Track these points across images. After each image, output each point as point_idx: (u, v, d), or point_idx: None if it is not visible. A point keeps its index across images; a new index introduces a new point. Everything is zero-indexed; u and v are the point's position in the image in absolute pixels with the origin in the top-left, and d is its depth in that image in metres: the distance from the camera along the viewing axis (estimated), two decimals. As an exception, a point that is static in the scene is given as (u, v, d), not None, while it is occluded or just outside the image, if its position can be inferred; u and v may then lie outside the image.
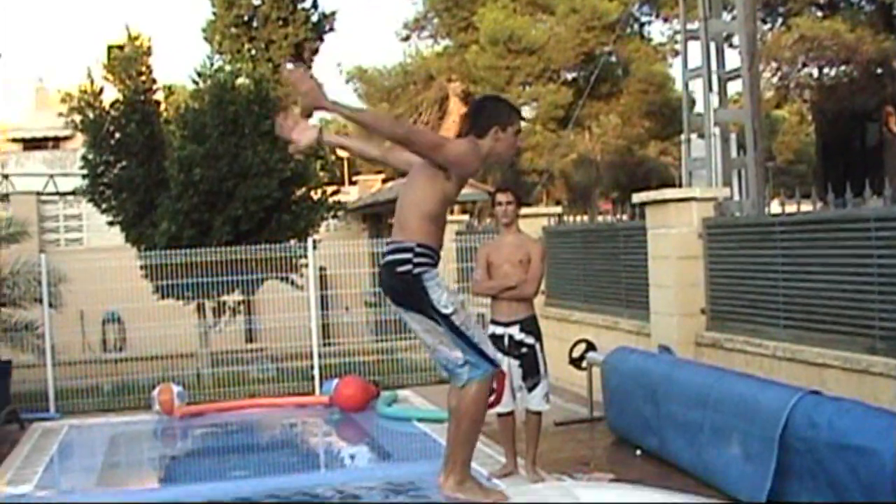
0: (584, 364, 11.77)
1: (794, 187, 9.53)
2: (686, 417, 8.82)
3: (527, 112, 37.58)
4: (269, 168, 15.44)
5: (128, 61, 16.61)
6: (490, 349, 6.01)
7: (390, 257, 6.14)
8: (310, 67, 32.66)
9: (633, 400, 9.96)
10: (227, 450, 12.74)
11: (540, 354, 8.87)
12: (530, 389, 8.86)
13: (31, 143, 31.58)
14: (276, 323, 15.70)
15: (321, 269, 16.00)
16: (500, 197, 9.12)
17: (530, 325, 8.87)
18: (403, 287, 6.16)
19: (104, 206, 16.49)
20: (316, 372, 14.88)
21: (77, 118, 16.46)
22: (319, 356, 15.05)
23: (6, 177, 24.25)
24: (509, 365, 8.84)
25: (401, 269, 6.16)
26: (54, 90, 28.26)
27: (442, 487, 6.40)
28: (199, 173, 14.99)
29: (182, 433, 13.31)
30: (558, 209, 16.52)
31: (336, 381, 13.71)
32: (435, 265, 6.28)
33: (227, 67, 16.59)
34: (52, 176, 24.77)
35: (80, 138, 21.74)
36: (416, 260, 6.08)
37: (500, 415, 9.04)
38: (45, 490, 9.90)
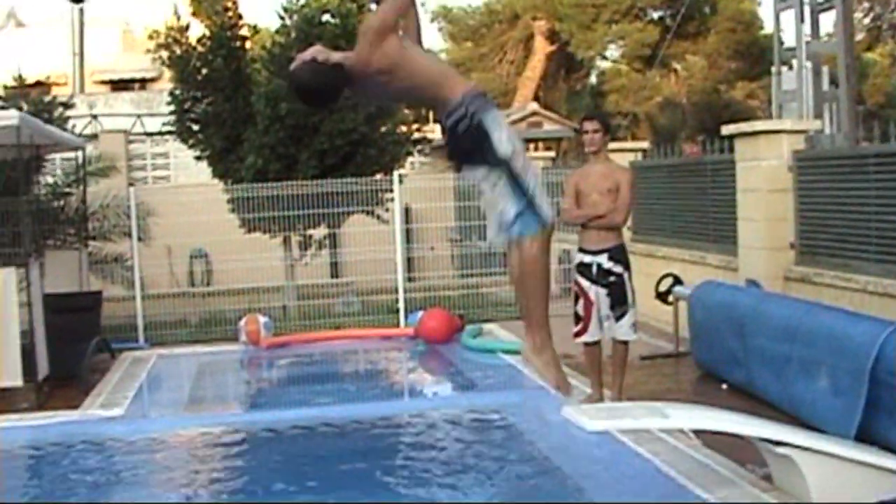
0: (670, 298, 11.72)
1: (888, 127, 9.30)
2: (774, 351, 8.73)
3: (613, 51, 37.25)
4: (355, 102, 15.43)
5: (214, -3, 16.70)
6: (545, 203, 5.43)
7: (449, 122, 5.53)
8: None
9: (719, 334, 9.90)
10: (312, 379, 12.87)
11: (628, 283, 8.84)
12: (618, 319, 8.84)
13: (119, 85, 31.83)
14: (361, 257, 15.76)
15: (405, 206, 15.99)
16: (587, 125, 9.07)
17: (618, 254, 8.83)
18: (469, 143, 5.52)
19: (191, 141, 16.60)
20: (401, 305, 14.96)
21: (164, 55, 16.53)
22: (404, 290, 15.12)
23: (95, 117, 24.44)
24: (597, 294, 8.83)
25: (461, 125, 5.53)
26: (140, 32, 28.48)
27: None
28: (286, 107, 15.01)
29: (268, 363, 13.48)
30: (645, 144, 16.38)
31: (421, 313, 13.78)
32: (487, 101, 5.67)
33: (314, 3, 16.56)
34: (139, 116, 24.95)
35: (166, 79, 21.90)
36: (470, 107, 5.50)
37: (586, 344, 9.04)
38: (135, 413, 10.11)
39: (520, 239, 5.45)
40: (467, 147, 5.37)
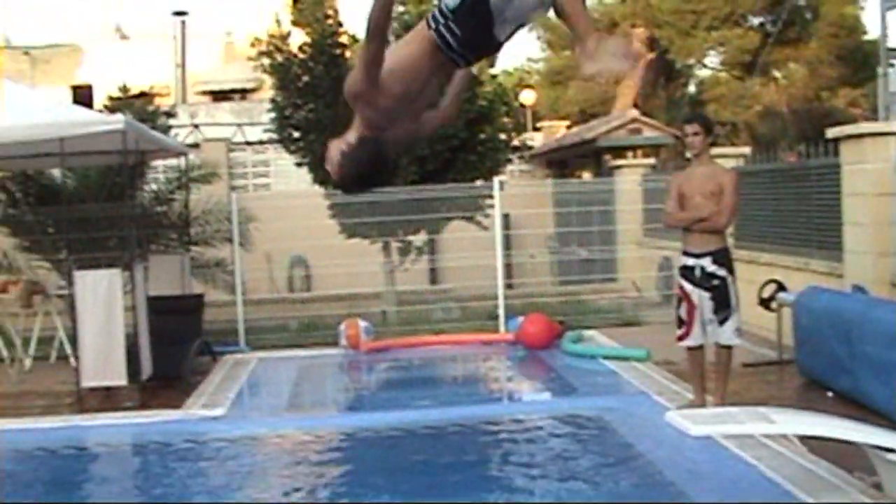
0: (773, 305, 11.56)
1: None
2: (882, 358, 8.56)
3: (712, 58, 36.86)
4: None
5: (314, 5, 16.77)
6: None
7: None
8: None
9: (825, 341, 9.73)
10: (412, 382, 12.89)
11: (732, 287, 8.74)
12: (721, 323, 8.74)
13: (220, 95, 32.27)
14: (460, 263, 15.77)
15: (504, 214, 15.95)
16: (687, 128, 9.00)
17: (722, 258, 8.73)
18: None
19: (292, 148, 16.73)
20: (500, 312, 14.93)
21: (265, 62, 16.69)
22: (503, 297, 15.10)
23: (196, 127, 24.79)
24: (700, 297, 8.74)
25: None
26: (241, 44, 28.82)
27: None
28: (385, 114, 15.06)
29: (368, 366, 13.54)
30: (746, 150, 16.21)
31: (521, 318, 13.76)
32: None
33: (412, 9, 16.61)
34: (239, 125, 25.26)
35: (266, 90, 22.10)
36: None
37: (689, 348, 8.96)
38: (236, 414, 10.21)
39: None
40: None
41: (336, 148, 4.59)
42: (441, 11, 4.33)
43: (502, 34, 4.38)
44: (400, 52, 4.55)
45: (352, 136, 4.57)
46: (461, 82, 5.12)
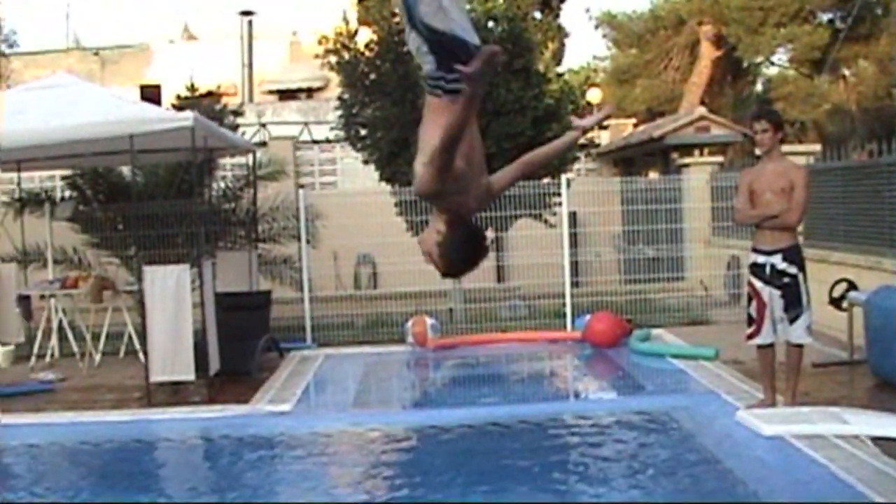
0: (844, 304, 11.40)
1: None
2: (958, 358, 8.44)
3: (781, 55, 36.47)
4: (522, 106, 15.40)
5: (381, 3, 16.80)
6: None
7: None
8: (558, 15, 32.32)
9: (898, 340, 9.59)
10: (480, 379, 12.89)
11: (803, 285, 8.63)
12: (792, 321, 8.64)
13: (286, 94, 32.37)
14: (527, 261, 15.71)
15: (571, 211, 15.87)
16: (756, 125, 8.89)
17: (793, 255, 8.62)
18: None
19: (359, 145, 16.76)
20: (567, 310, 14.89)
21: (332, 60, 16.73)
22: (570, 295, 15.05)
23: (263, 125, 24.89)
24: (770, 295, 8.64)
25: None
26: (308, 43, 28.93)
27: None
28: (453, 111, 15.06)
29: (435, 363, 13.54)
30: (816, 147, 16.04)
31: (588, 316, 13.71)
32: None
33: (479, 7, 16.59)
34: (306, 124, 25.33)
35: (332, 88, 22.16)
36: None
37: (759, 347, 8.86)
38: (302, 409, 10.24)
39: None
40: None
41: (430, 242, 4.67)
42: (433, 77, 4.53)
43: (474, 38, 4.59)
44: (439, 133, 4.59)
45: (439, 225, 4.64)
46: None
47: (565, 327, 14.69)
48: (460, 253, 4.66)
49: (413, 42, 4.63)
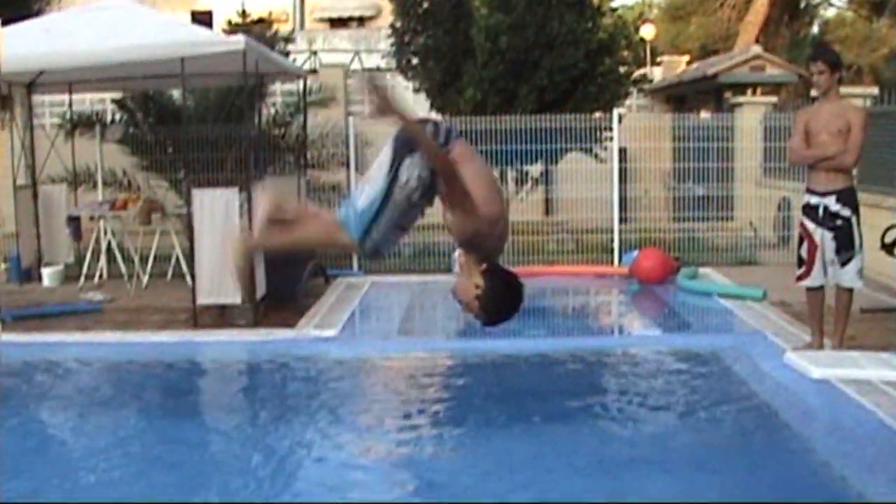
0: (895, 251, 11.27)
1: None
2: None
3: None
4: (576, 38, 15.27)
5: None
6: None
7: None
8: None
9: (950, 287, 9.49)
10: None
11: (856, 228, 8.52)
12: (843, 264, 8.54)
13: (338, 23, 32.24)
14: (576, 195, 15.63)
15: (621, 148, 15.74)
16: (813, 67, 8.73)
17: (847, 197, 8.50)
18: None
19: (410, 74, 16.69)
20: (615, 245, 14.84)
21: (385, -13, 16.66)
22: (619, 230, 14.99)
23: (314, 53, 24.84)
24: (822, 237, 8.54)
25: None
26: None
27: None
28: (506, 42, 14.97)
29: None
30: (874, 90, 15.80)
31: (636, 252, 13.65)
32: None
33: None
34: (357, 52, 25.26)
35: (384, 17, 22.04)
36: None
37: (808, 289, 8.77)
38: (348, 335, 10.28)
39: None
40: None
41: (469, 295, 4.87)
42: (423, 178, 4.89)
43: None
44: (473, 174, 4.80)
45: (476, 278, 4.84)
46: None
47: (613, 262, 14.64)
48: (503, 304, 4.92)
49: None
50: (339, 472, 6.33)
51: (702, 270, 13.76)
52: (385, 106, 4.57)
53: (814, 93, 8.97)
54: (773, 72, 21.34)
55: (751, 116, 17.30)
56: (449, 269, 13.84)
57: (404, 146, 4.96)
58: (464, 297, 4.94)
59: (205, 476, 6.31)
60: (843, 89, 13.73)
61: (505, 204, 5.16)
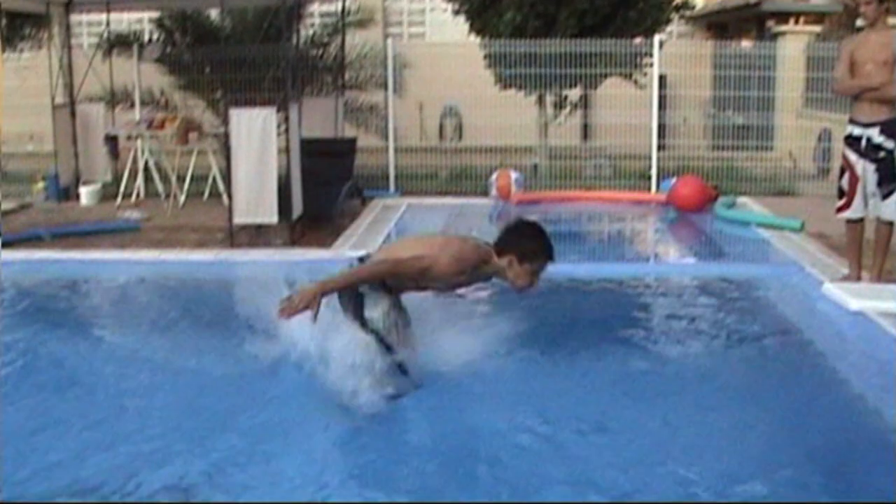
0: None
1: None
2: None
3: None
4: (617, -38, 15.12)
5: None
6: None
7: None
8: None
9: None
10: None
11: (899, 160, 8.42)
12: (884, 197, 8.44)
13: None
14: (614, 120, 15.53)
15: (661, 74, 15.60)
16: (859, -5, 8.60)
17: (891, 129, 8.39)
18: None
19: (450, -6, 16.55)
20: (653, 172, 14.77)
21: None
22: (656, 157, 14.91)
23: (353, -27, 24.71)
24: (864, 169, 8.45)
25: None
26: None
27: None
28: (548, -36, 14.83)
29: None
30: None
31: (674, 180, 13.58)
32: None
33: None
34: (395, -27, 25.10)
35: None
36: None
37: (849, 221, 8.69)
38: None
39: None
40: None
41: (520, 277, 5.98)
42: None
43: None
44: (409, 245, 6.08)
45: (501, 268, 5.98)
46: None
47: (650, 189, 14.58)
48: (537, 238, 5.99)
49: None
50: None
51: (739, 200, 13.69)
52: (309, 298, 5.43)
53: (859, 23, 8.82)
54: (817, 0, 21.04)
55: (793, 46, 17.10)
56: (485, 193, 13.82)
57: (348, 301, 5.93)
58: (520, 282, 5.88)
59: (243, 387, 6.31)
60: (891, 19, 13.56)
61: (449, 237, 6.05)
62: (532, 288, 6.00)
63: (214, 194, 13.63)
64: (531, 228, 6.05)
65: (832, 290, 8.23)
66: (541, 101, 15.91)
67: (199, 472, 5.02)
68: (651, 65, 15.13)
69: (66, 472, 5.05)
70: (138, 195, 14.28)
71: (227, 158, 11.07)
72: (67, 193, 14.26)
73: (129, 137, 14.50)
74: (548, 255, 5.94)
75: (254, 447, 5.33)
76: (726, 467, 5.10)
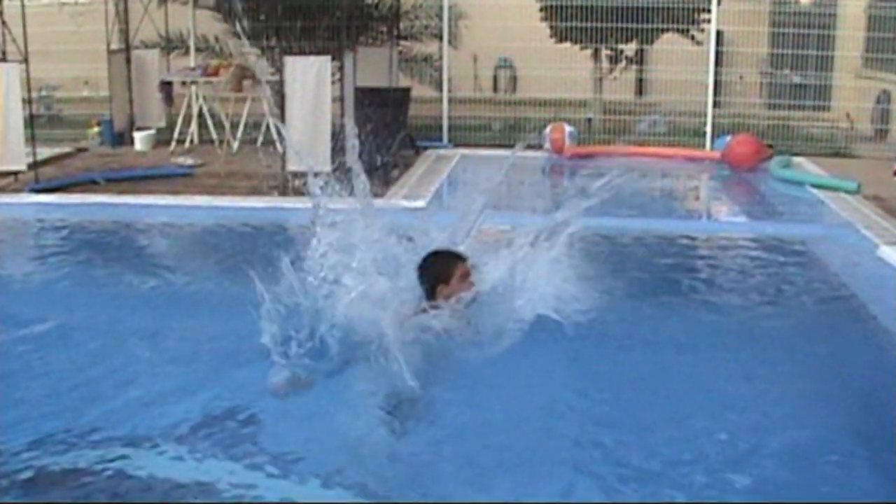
0: None
1: None
2: None
3: None
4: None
5: None
6: None
7: None
8: None
9: None
10: (615, 191, 12.71)
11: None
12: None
13: None
14: (669, 76, 15.40)
15: (718, 31, 15.42)
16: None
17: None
18: None
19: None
20: (707, 129, 14.65)
21: None
22: (711, 115, 14.79)
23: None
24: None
25: None
26: None
27: None
28: (606, -85, 14.69)
29: (570, 171, 13.41)
30: None
31: (729, 137, 13.46)
32: None
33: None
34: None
35: None
36: None
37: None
38: (436, 207, 10.27)
39: None
40: None
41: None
42: None
43: None
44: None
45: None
46: None
47: (704, 146, 14.47)
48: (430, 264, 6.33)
49: None
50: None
51: (795, 160, 13.55)
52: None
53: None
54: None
55: (854, 4, 16.84)
56: (540, 145, 13.76)
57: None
58: (463, 294, 6.10)
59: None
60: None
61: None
62: (474, 287, 6.20)
63: (268, 141, 13.65)
64: (423, 261, 6.36)
65: (887, 251, 8.16)
66: (596, 55, 15.79)
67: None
68: (708, 21, 14.96)
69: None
70: (192, 141, 14.34)
71: (281, 106, 11.07)
72: (122, 139, 14.35)
73: (183, 84, 14.55)
74: (452, 259, 6.33)
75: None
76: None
